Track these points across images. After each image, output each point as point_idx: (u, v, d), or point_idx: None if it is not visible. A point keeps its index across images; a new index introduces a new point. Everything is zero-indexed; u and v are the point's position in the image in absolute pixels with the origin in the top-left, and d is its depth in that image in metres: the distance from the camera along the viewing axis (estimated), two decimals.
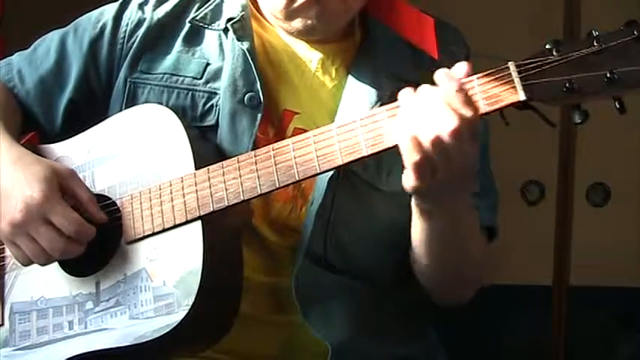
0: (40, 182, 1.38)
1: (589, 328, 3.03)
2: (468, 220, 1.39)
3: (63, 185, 1.41)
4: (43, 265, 1.42)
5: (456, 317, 2.17)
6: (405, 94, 1.25)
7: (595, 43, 1.16)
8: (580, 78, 1.16)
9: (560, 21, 3.04)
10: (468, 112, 1.19)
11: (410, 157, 1.22)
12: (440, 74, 1.23)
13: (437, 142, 1.19)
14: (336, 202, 1.45)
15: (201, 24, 1.55)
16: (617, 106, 1.17)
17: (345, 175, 1.44)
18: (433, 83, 1.24)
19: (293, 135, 1.46)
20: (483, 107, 1.21)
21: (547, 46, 1.19)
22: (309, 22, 1.45)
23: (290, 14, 1.46)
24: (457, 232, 1.37)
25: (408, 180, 1.25)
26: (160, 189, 1.39)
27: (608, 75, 1.15)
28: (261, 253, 1.47)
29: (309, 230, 1.43)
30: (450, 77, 1.22)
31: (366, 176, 1.47)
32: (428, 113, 1.20)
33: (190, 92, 1.51)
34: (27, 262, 1.42)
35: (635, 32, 1.15)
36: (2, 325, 1.50)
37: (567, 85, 1.17)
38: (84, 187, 1.43)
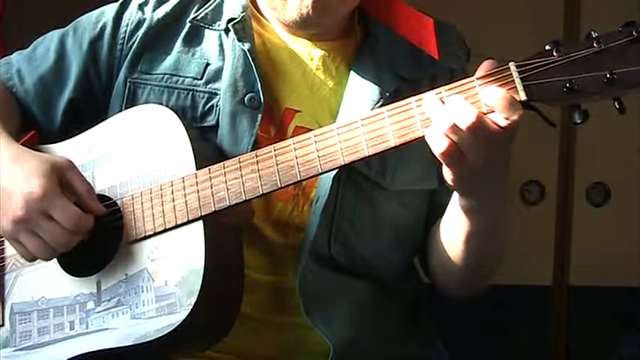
0: (39, 178, 1.38)
1: (589, 328, 3.04)
2: (503, 211, 1.39)
3: (61, 178, 1.41)
4: (46, 260, 1.42)
5: (456, 317, 2.17)
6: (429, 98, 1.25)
7: (595, 44, 1.16)
8: (580, 78, 1.16)
9: (560, 21, 3.04)
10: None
11: (437, 146, 1.22)
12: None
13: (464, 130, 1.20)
14: (340, 200, 1.46)
15: (201, 24, 1.56)
16: (617, 106, 1.17)
17: (349, 173, 1.45)
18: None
19: (294, 133, 1.47)
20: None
21: (547, 47, 1.19)
22: (304, 11, 1.45)
23: (285, 2, 1.46)
24: (497, 226, 1.39)
25: (446, 174, 1.26)
26: (161, 189, 1.39)
27: (608, 75, 1.15)
28: (263, 252, 1.47)
29: (314, 228, 1.44)
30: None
31: (371, 175, 1.47)
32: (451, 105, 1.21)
33: (190, 92, 1.51)
34: (31, 259, 1.42)
35: (634, 33, 1.15)
36: (2, 325, 1.50)
37: (567, 85, 1.17)
38: (82, 179, 1.43)
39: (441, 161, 1.23)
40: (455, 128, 1.20)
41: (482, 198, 1.32)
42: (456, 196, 1.36)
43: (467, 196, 1.33)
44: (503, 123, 1.20)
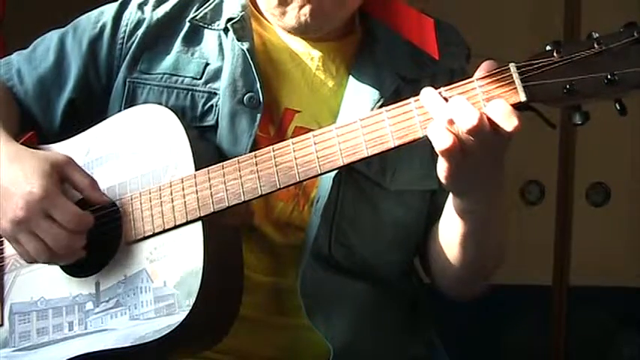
0: (39, 177, 1.38)
1: (589, 328, 3.04)
2: (501, 213, 1.39)
3: (62, 175, 1.40)
4: (45, 263, 1.41)
5: (456, 317, 2.17)
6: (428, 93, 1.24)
7: (595, 45, 1.16)
8: (580, 79, 1.16)
9: (561, 21, 3.04)
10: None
11: (440, 143, 1.20)
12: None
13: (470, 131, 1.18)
14: (340, 199, 1.45)
15: (200, 24, 1.55)
16: (618, 107, 1.17)
17: (350, 173, 1.44)
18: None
19: (294, 133, 1.47)
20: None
21: (547, 48, 1.19)
22: (303, 19, 1.45)
23: (284, 11, 1.46)
24: (494, 227, 1.38)
25: (441, 170, 1.24)
26: (160, 190, 1.39)
27: (609, 76, 1.14)
28: (264, 252, 1.47)
29: (315, 228, 1.43)
30: None
31: (371, 175, 1.47)
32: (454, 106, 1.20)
33: (190, 92, 1.51)
34: (31, 260, 1.42)
35: (635, 34, 1.14)
36: (2, 325, 1.50)
37: (568, 86, 1.17)
38: (83, 172, 1.42)
39: (441, 157, 1.22)
40: (457, 127, 1.19)
41: (476, 198, 1.31)
42: (451, 197, 1.36)
43: (461, 196, 1.32)
44: (504, 130, 1.19)
